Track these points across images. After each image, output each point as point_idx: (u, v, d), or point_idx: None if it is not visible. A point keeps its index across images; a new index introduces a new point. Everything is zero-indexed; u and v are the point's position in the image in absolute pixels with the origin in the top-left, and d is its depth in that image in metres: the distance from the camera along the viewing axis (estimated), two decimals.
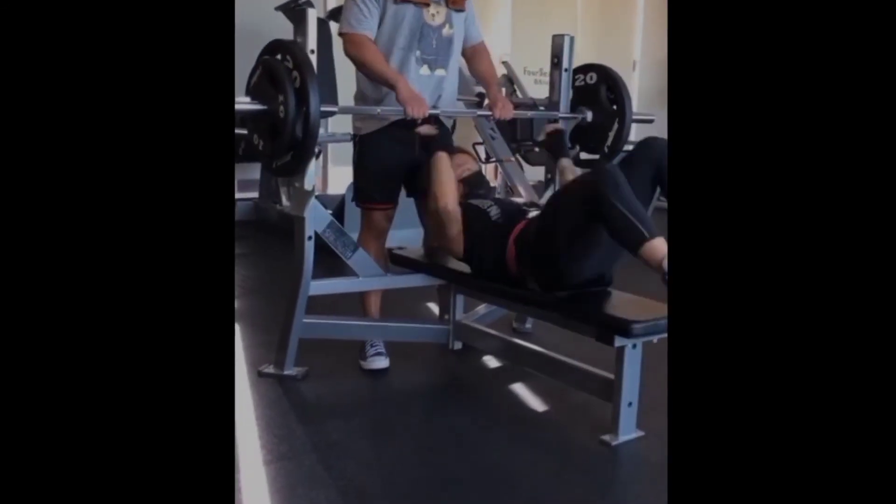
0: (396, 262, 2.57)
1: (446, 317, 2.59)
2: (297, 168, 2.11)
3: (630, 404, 2.01)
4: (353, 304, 2.60)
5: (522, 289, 2.13)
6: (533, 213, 2.19)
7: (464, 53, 2.55)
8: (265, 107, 2.07)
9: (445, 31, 2.44)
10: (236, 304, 3.17)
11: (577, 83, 2.77)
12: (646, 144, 2.12)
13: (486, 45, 2.60)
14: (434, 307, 2.98)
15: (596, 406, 2.12)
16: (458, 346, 2.59)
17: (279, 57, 2.09)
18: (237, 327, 2.86)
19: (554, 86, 2.74)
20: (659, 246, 1.78)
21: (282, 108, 2.01)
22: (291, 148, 2.06)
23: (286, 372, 2.40)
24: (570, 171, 2.56)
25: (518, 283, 2.14)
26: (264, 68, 2.08)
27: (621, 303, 1.99)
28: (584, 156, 2.79)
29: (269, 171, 2.18)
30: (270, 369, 2.43)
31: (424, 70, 2.42)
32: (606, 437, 2.00)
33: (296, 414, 2.18)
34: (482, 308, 2.69)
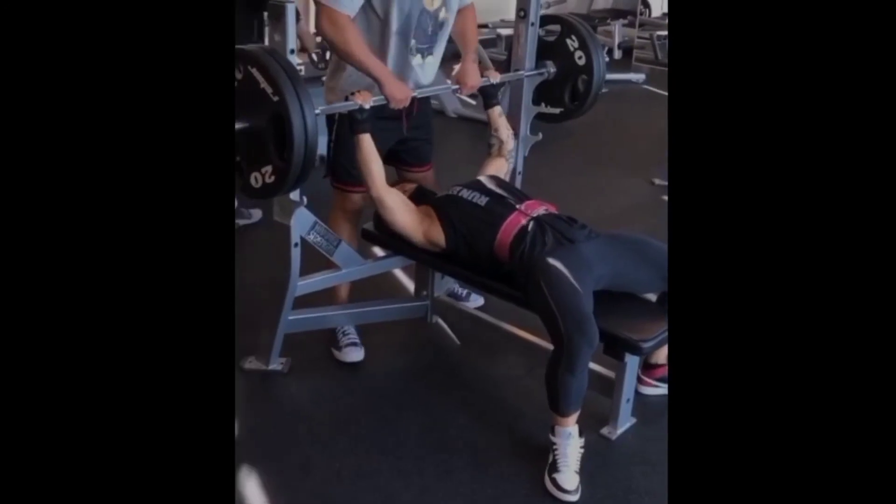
0: (371, 240, 2.51)
1: (424, 293, 2.59)
2: (289, 184, 1.93)
3: (628, 400, 2.14)
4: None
5: (510, 280, 2.15)
6: (522, 206, 2.16)
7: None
8: (249, 124, 1.87)
9: (441, 14, 2.24)
10: None
11: (540, 36, 2.64)
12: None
13: (474, 7, 2.42)
14: (400, 275, 2.95)
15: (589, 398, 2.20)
16: (435, 319, 2.61)
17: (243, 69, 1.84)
18: None
19: (519, 40, 2.61)
20: (561, 422, 1.94)
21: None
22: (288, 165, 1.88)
23: (271, 367, 2.37)
24: (501, 122, 2.49)
25: (507, 274, 2.15)
26: (245, 83, 1.85)
27: (623, 313, 2.05)
28: (548, 109, 2.72)
29: (251, 194, 1.97)
30: (253, 364, 2.39)
31: (417, 59, 2.24)
32: (605, 431, 2.15)
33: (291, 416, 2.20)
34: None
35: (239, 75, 1.84)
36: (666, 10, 8.79)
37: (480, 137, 4.28)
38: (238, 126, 1.87)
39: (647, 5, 8.20)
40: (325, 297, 2.46)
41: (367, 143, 2.12)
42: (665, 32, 7.42)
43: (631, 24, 7.55)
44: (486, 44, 6.00)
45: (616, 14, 7.55)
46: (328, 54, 4.27)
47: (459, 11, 2.35)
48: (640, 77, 6.74)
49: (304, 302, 2.33)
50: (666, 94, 6.34)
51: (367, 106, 2.07)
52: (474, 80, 2.36)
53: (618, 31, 7.34)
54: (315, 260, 2.30)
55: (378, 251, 2.66)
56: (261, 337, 2.37)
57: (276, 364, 2.38)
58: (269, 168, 1.87)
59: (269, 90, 1.78)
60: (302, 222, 2.14)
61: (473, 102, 5.24)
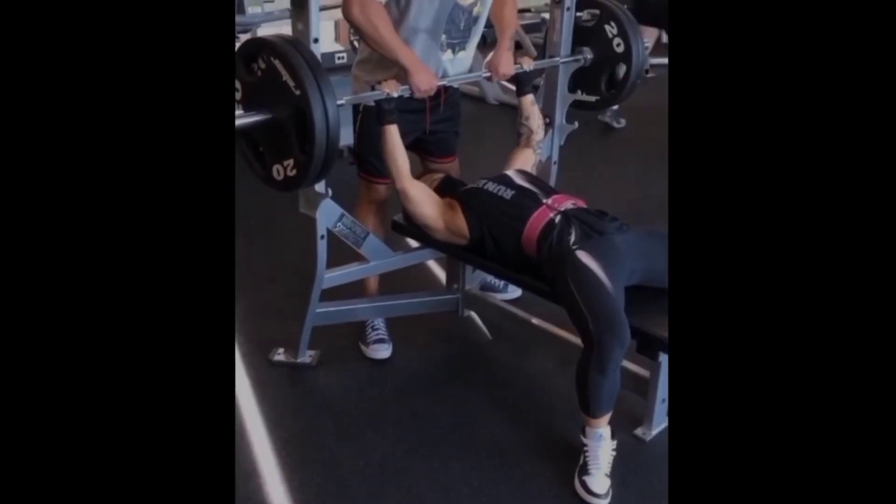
0: (402, 231, 2.46)
1: (455, 286, 2.54)
2: (311, 178, 1.90)
3: (663, 400, 2.07)
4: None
5: (539, 274, 2.08)
6: (549, 200, 2.09)
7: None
8: (273, 115, 1.84)
9: (476, 9, 2.18)
10: None
11: (576, 21, 2.56)
12: None
13: None
14: (434, 266, 2.91)
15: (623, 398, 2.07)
16: (467, 313, 2.56)
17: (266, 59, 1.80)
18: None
19: (554, 26, 2.53)
20: (592, 423, 1.88)
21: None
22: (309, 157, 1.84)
23: (299, 359, 2.35)
24: (533, 110, 2.42)
25: (535, 267, 2.08)
26: (267, 73, 1.81)
27: (657, 311, 1.96)
28: (584, 97, 2.64)
29: (274, 187, 1.93)
30: (282, 356, 2.37)
31: (448, 55, 2.18)
32: (639, 432, 2.08)
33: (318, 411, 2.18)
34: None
35: (262, 65, 1.81)
36: None
37: None
38: (260, 118, 1.83)
39: None
40: (354, 289, 2.43)
41: (393, 133, 2.07)
42: None
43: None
44: (528, 28, 5.86)
45: (617, 3, 7.33)
46: None
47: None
48: None
49: (334, 294, 2.31)
50: None
51: (394, 94, 2.02)
52: (507, 67, 2.29)
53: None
54: (345, 251, 2.27)
55: (411, 242, 2.63)
56: (289, 329, 2.36)
57: (305, 357, 2.36)
58: (290, 161, 1.83)
59: (290, 83, 1.74)
60: (328, 214, 2.11)
61: (513, 88, 5.16)
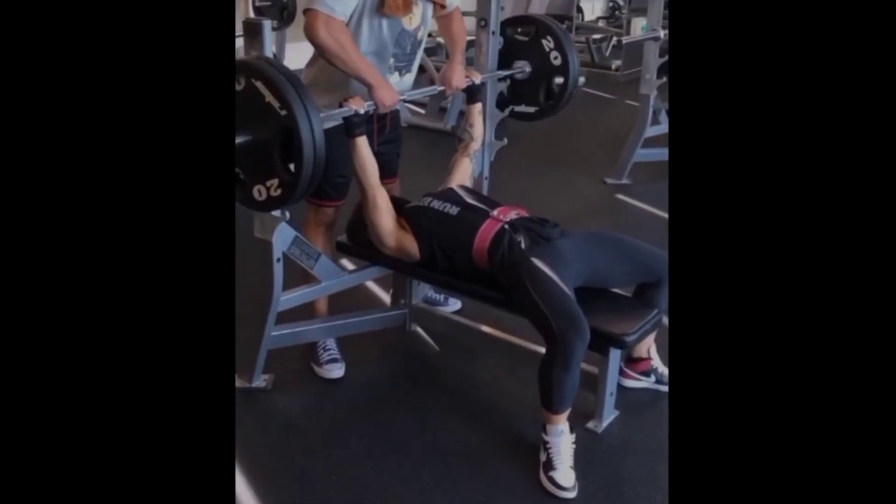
0: (347, 252, 2.52)
1: (402, 301, 2.61)
2: (296, 197, 1.91)
3: (611, 394, 2.21)
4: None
5: (492, 284, 2.19)
6: (496, 212, 2.20)
7: (437, 18, 2.42)
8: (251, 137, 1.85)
9: (420, 33, 2.29)
10: None
11: (514, 36, 2.72)
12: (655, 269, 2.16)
13: (459, 9, 2.48)
14: (373, 286, 2.97)
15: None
16: (414, 327, 2.64)
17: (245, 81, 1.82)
18: None
19: (481, 48, 2.67)
20: (553, 420, 2.00)
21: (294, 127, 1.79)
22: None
23: (255, 384, 2.36)
24: (478, 119, 2.55)
25: (488, 278, 2.19)
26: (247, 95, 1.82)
27: (604, 309, 2.11)
28: (524, 109, 2.78)
29: (253, 206, 1.97)
30: (237, 382, 2.37)
31: (395, 77, 2.27)
32: (591, 425, 2.21)
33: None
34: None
35: (239, 87, 1.82)
36: (598, 14, 9.04)
37: (432, 145, 4.38)
38: (240, 139, 1.85)
39: (579, 10, 8.39)
40: (302, 312, 2.46)
41: (363, 145, 2.15)
42: (599, 36, 7.62)
43: (567, 29, 7.70)
44: (428, 52, 6.02)
45: (552, 19, 7.69)
46: None
47: (446, 15, 2.41)
48: (580, 80, 6.95)
49: (283, 317, 2.33)
50: (605, 95, 6.53)
51: (361, 111, 2.10)
52: (458, 80, 2.42)
53: None
54: (289, 274, 2.30)
55: (349, 264, 2.68)
56: (242, 354, 2.35)
57: (260, 381, 2.37)
58: (275, 181, 1.86)
59: (275, 104, 1.77)
60: (284, 238, 2.14)
61: (422, 112, 5.30)
